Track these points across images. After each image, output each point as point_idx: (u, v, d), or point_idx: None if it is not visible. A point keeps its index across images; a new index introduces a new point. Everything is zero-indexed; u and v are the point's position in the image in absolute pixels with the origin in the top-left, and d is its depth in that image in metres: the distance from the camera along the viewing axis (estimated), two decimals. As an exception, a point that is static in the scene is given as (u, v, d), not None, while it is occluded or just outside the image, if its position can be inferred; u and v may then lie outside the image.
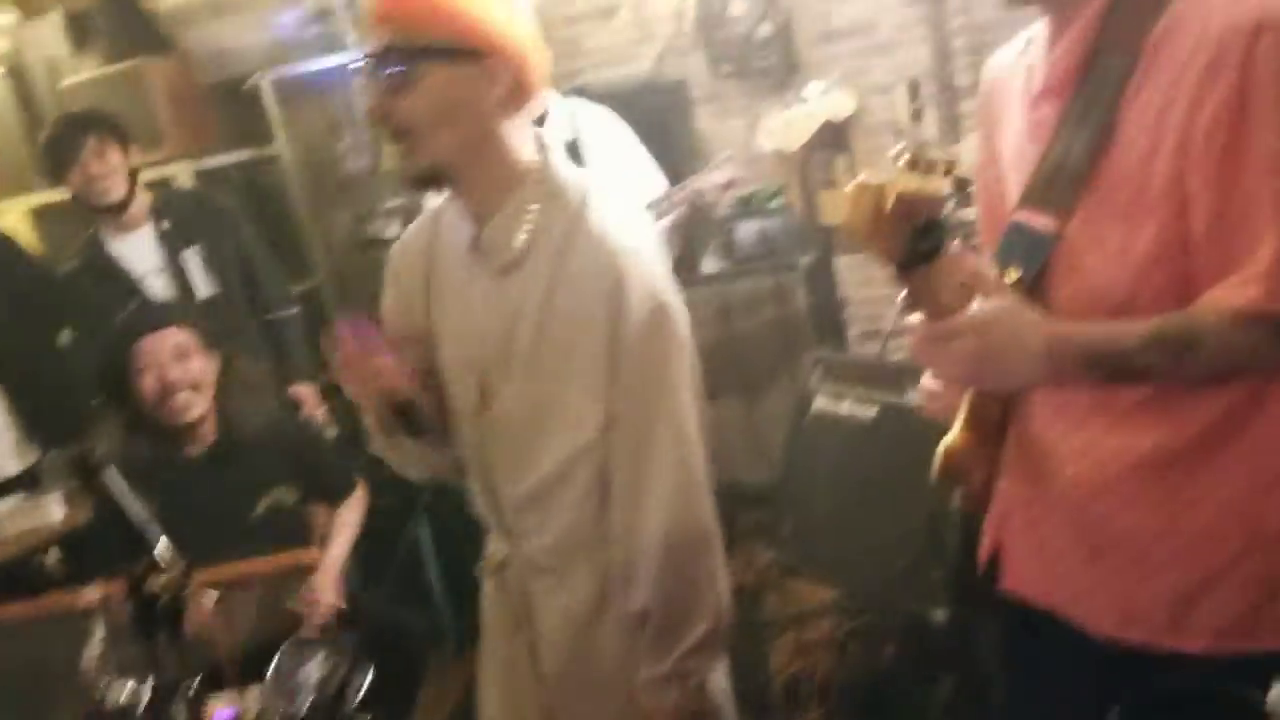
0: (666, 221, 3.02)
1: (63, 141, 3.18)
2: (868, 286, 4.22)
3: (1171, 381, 1.24)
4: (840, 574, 2.55)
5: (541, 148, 1.60)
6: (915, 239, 1.17)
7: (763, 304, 3.83)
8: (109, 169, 3.19)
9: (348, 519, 2.79)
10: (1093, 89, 1.29)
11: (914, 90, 3.84)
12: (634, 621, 1.62)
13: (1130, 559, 1.34)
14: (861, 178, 1.18)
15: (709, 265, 3.93)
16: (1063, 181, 1.30)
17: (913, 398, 2.50)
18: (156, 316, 2.80)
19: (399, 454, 1.80)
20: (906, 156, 1.17)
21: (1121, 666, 1.34)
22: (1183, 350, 1.19)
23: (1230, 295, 1.19)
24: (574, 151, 3.02)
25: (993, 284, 1.23)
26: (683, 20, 4.14)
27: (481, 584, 1.85)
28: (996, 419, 1.42)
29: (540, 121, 2.95)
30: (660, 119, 3.91)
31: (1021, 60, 1.43)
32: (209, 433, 2.68)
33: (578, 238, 1.55)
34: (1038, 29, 1.40)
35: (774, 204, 3.92)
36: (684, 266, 3.69)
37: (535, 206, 1.56)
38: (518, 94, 1.51)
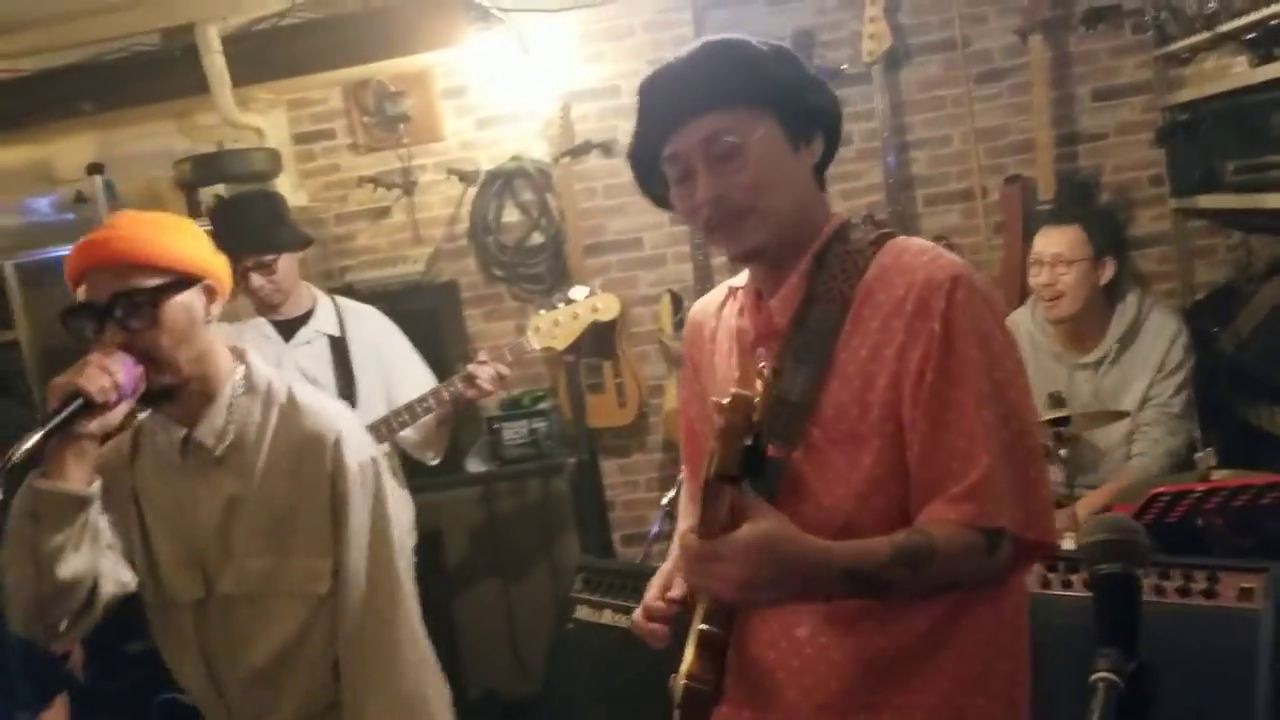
0: (431, 419, 2.97)
1: None
2: (632, 490, 4.26)
3: (908, 594, 1.31)
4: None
5: (239, 354, 1.79)
6: (752, 449, 1.24)
7: (528, 505, 3.77)
8: None
9: None
10: (807, 334, 1.42)
11: (676, 301, 4.02)
12: None
13: None
14: (733, 390, 1.27)
15: (474, 465, 3.88)
16: (786, 415, 1.39)
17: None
18: None
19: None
20: (765, 373, 1.29)
21: None
22: (920, 561, 1.27)
23: (948, 510, 1.30)
24: (340, 346, 2.98)
25: (756, 509, 1.26)
26: (455, 225, 4.22)
27: None
28: (724, 646, 1.40)
29: (305, 319, 2.97)
30: (432, 318, 3.91)
31: (728, 307, 1.58)
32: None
33: (292, 419, 1.74)
34: (741, 279, 1.56)
35: (541, 405, 3.94)
36: (450, 466, 3.63)
37: (240, 403, 1.74)
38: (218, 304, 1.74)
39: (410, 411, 2.90)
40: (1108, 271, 3.06)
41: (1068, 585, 2.10)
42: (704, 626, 1.40)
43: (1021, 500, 1.32)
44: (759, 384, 1.29)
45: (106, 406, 1.55)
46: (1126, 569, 0.88)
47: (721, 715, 1.47)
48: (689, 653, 1.41)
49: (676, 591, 1.55)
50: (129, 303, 1.60)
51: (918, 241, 1.45)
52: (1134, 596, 0.87)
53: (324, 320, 2.99)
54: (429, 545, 3.68)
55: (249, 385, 1.76)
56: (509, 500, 3.77)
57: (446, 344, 3.96)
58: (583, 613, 2.71)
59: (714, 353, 1.57)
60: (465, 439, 3.90)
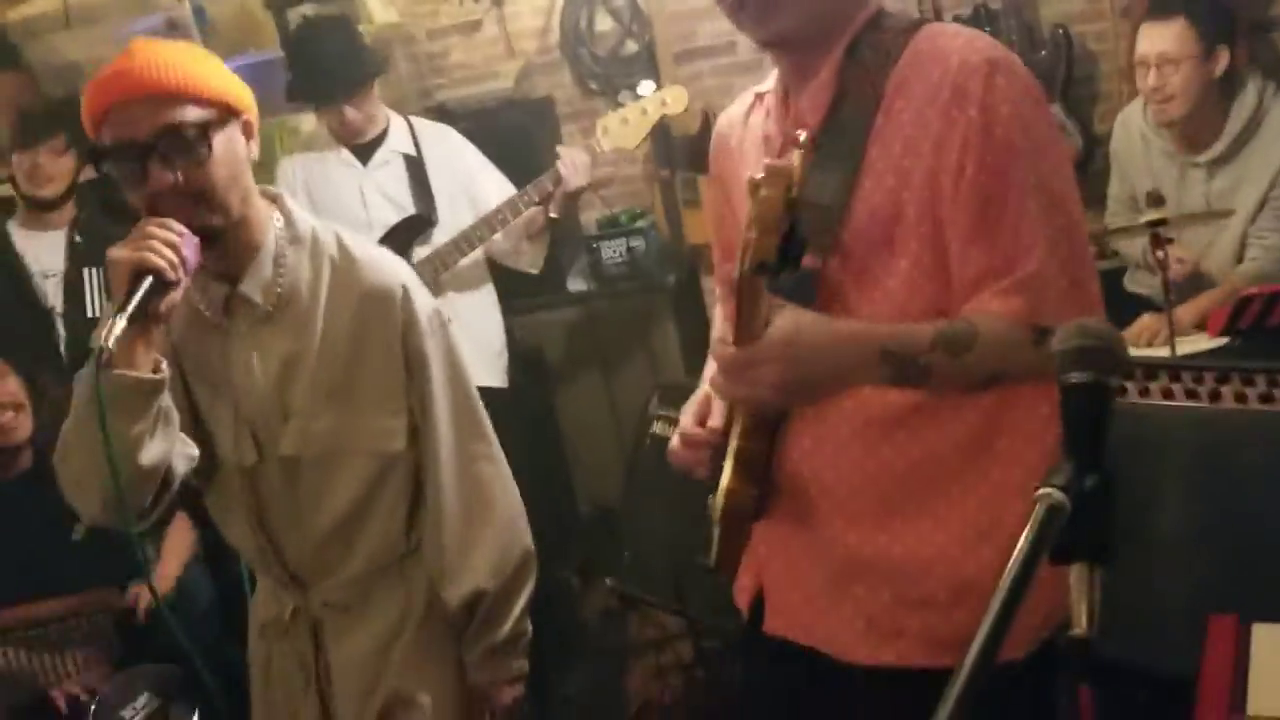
0: (520, 226, 2.98)
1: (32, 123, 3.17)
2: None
3: (947, 384, 1.28)
4: (680, 599, 2.52)
5: (275, 200, 1.67)
6: (791, 236, 1.18)
7: (628, 324, 3.80)
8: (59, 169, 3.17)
9: (174, 543, 2.73)
10: (837, 134, 1.34)
11: (772, 110, 3.87)
12: (461, 612, 1.71)
13: (889, 584, 1.36)
14: (769, 161, 1.21)
15: (574, 284, 3.90)
16: (819, 222, 1.33)
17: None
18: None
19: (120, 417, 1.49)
20: (805, 143, 1.22)
21: (878, 696, 1.35)
22: (962, 349, 1.25)
23: (996, 303, 1.26)
24: (416, 165, 3.00)
25: (781, 305, 1.25)
26: (548, 37, 4.12)
27: (249, 650, 1.84)
28: (764, 461, 1.40)
29: (380, 140, 2.98)
30: (527, 136, 3.87)
31: (754, 115, 1.51)
32: (26, 454, 2.59)
33: (352, 274, 1.65)
34: (768, 84, 1.48)
35: (640, 224, 3.91)
36: (550, 285, 3.67)
37: (286, 254, 1.63)
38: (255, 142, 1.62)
39: (493, 221, 2.91)
40: (1221, 63, 2.78)
41: (1168, 395, 1.98)
42: (742, 443, 1.40)
43: (1070, 297, 1.26)
44: (796, 157, 1.21)
45: (176, 284, 1.43)
46: (1096, 378, 0.82)
47: (759, 532, 1.48)
48: (728, 468, 1.42)
49: (716, 418, 1.51)
50: (177, 138, 1.46)
51: (954, 26, 1.37)
52: (1103, 408, 0.82)
53: (399, 140, 3.01)
54: (532, 361, 3.79)
55: (293, 235, 1.64)
56: (609, 319, 3.80)
57: (543, 162, 3.94)
58: (659, 428, 2.74)
59: (741, 164, 1.50)
60: (565, 258, 3.91)
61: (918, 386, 1.28)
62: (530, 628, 1.78)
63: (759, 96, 1.52)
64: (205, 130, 1.48)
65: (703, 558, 1.56)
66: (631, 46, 4.03)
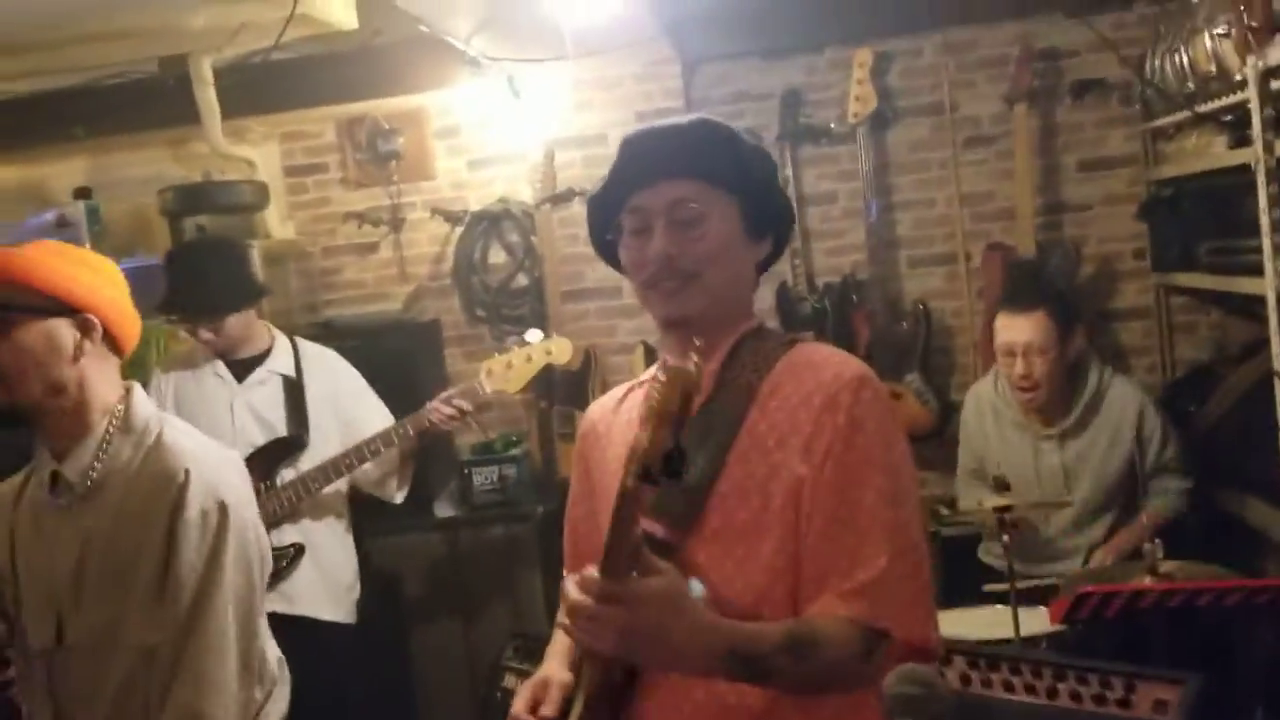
0: (393, 454, 2.98)
1: None
2: (605, 538, 4.23)
3: (785, 685, 1.30)
4: None
5: (126, 392, 1.78)
6: (677, 445, 1.18)
7: (493, 553, 3.74)
8: None
9: None
10: (710, 420, 1.42)
11: (650, 354, 4.01)
12: None
13: None
14: (673, 362, 1.25)
15: (442, 509, 3.86)
16: (679, 498, 1.39)
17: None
18: None
19: None
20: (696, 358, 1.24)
21: None
22: (808, 651, 1.27)
23: (839, 605, 1.30)
24: (294, 387, 2.99)
25: (654, 565, 1.25)
26: (441, 264, 4.23)
27: None
28: None
29: (261, 359, 2.98)
30: (411, 357, 3.91)
31: (626, 402, 1.59)
32: None
33: (149, 456, 1.72)
34: (643, 376, 1.59)
35: (514, 451, 3.93)
36: (416, 508, 3.62)
37: (113, 440, 1.73)
38: (113, 344, 1.75)
39: (363, 451, 2.90)
40: (1075, 348, 3.05)
41: (1009, 687, 2.01)
42: (584, 714, 1.39)
43: (911, 604, 1.32)
44: (694, 360, 1.24)
45: None
46: (921, 729, 0.85)
47: None
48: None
49: (550, 707, 1.49)
50: None
51: (826, 346, 1.51)
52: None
53: (280, 361, 3.00)
54: (388, 589, 3.68)
55: (126, 423, 1.74)
56: (473, 548, 3.74)
57: (425, 383, 3.96)
58: (510, 682, 2.68)
59: (609, 448, 1.55)
60: (435, 482, 3.89)
61: (760, 685, 1.29)
62: None
63: (631, 388, 1.60)
64: (7, 312, 1.64)
65: None
66: (522, 280, 4.17)
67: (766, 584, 1.35)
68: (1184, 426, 3.24)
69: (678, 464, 1.19)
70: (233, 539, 1.71)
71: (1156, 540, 2.42)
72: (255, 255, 3.02)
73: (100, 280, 1.74)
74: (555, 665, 1.56)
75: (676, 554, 1.37)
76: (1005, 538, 2.47)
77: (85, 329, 1.70)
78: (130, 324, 1.79)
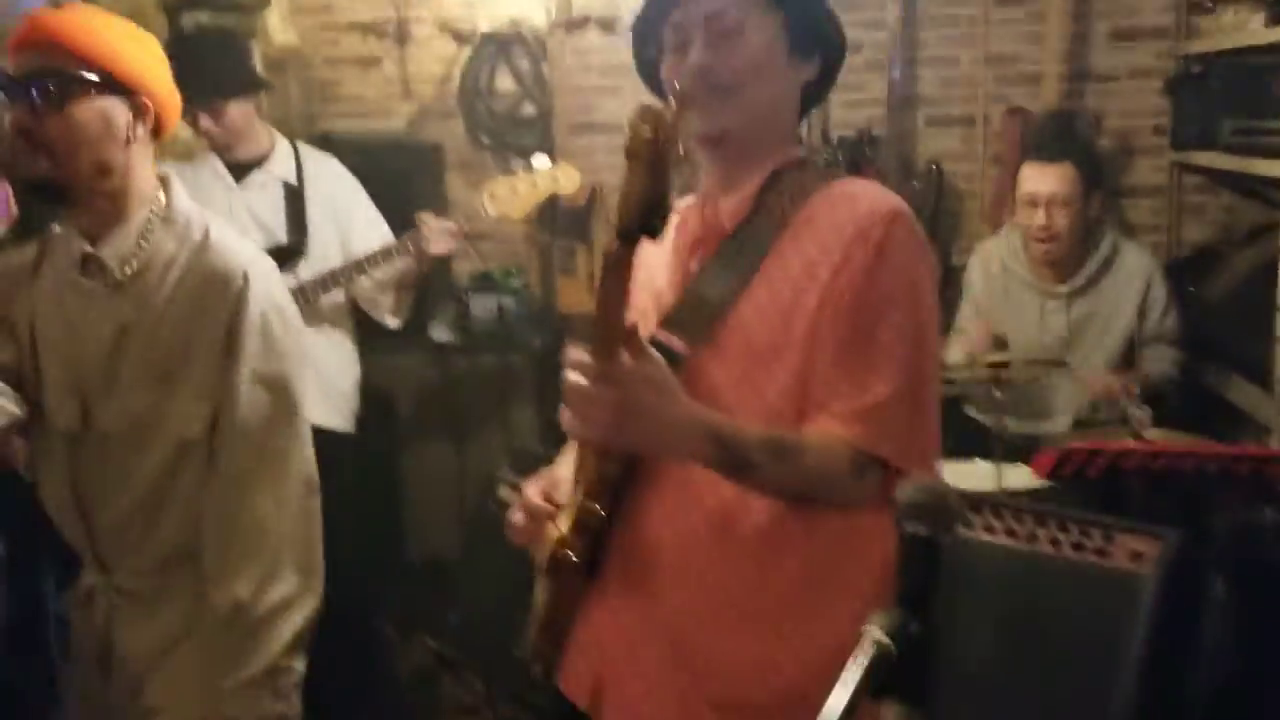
0: (390, 277, 2.96)
1: None
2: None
3: (767, 485, 1.32)
4: (490, 670, 2.50)
5: (164, 181, 1.72)
6: (657, 195, 1.15)
7: (488, 381, 3.78)
8: None
9: None
10: (741, 243, 1.42)
11: (657, 194, 3.96)
12: (223, 622, 1.63)
13: (731, 690, 1.39)
14: (648, 104, 1.21)
15: (438, 333, 3.87)
16: (702, 315, 1.40)
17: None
18: None
19: None
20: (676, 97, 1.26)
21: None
22: (789, 455, 1.30)
23: (836, 425, 1.32)
24: (295, 194, 2.95)
25: (644, 350, 1.26)
26: (447, 85, 4.13)
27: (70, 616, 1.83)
28: (602, 523, 1.44)
29: (261, 161, 2.93)
30: (411, 179, 3.85)
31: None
32: None
33: (203, 255, 1.68)
34: (686, 200, 1.55)
35: (513, 283, 3.92)
36: (412, 330, 3.63)
37: (154, 230, 1.67)
38: (154, 129, 1.69)
39: (362, 264, 2.88)
40: (1095, 206, 3.06)
41: (990, 529, 2.07)
42: (584, 502, 1.42)
43: (911, 435, 1.34)
44: (671, 105, 1.25)
45: None
46: (931, 532, 0.87)
47: (593, 618, 1.49)
48: (564, 522, 1.44)
49: (562, 496, 1.53)
50: (41, 84, 1.56)
51: (867, 181, 1.49)
52: (933, 561, 0.87)
53: (280, 165, 2.95)
54: (380, 406, 3.72)
55: (168, 215, 1.69)
56: (468, 375, 3.77)
57: (423, 207, 3.89)
58: (506, 494, 2.73)
59: (647, 271, 1.51)
60: (432, 307, 3.88)
61: (739, 478, 1.31)
62: (301, 670, 1.68)
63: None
64: (70, 85, 1.57)
65: (518, 649, 1.56)
66: (529, 110, 4.08)
67: (780, 409, 1.36)
68: (1181, 304, 3.26)
69: (656, 217, 1.16)
70: (292, 344, 1.70)
71: (1145, 406, 2.45)
72: (255, 50, 2.95)
73: (150, 58, 1.67)
74: (565, 465, 1.58)
75: (689, 369, 1.38)
76: (997, 394, 2.50)
77: (139, 112, 1.64)
78: (175, 108, 1.72)
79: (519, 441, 3.60)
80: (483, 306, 3.85)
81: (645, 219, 1.16)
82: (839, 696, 0.77)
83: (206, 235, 1.70)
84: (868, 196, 1.40)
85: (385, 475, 3.77)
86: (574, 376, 1.23)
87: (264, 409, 1.66)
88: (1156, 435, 2.45)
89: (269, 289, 1.70)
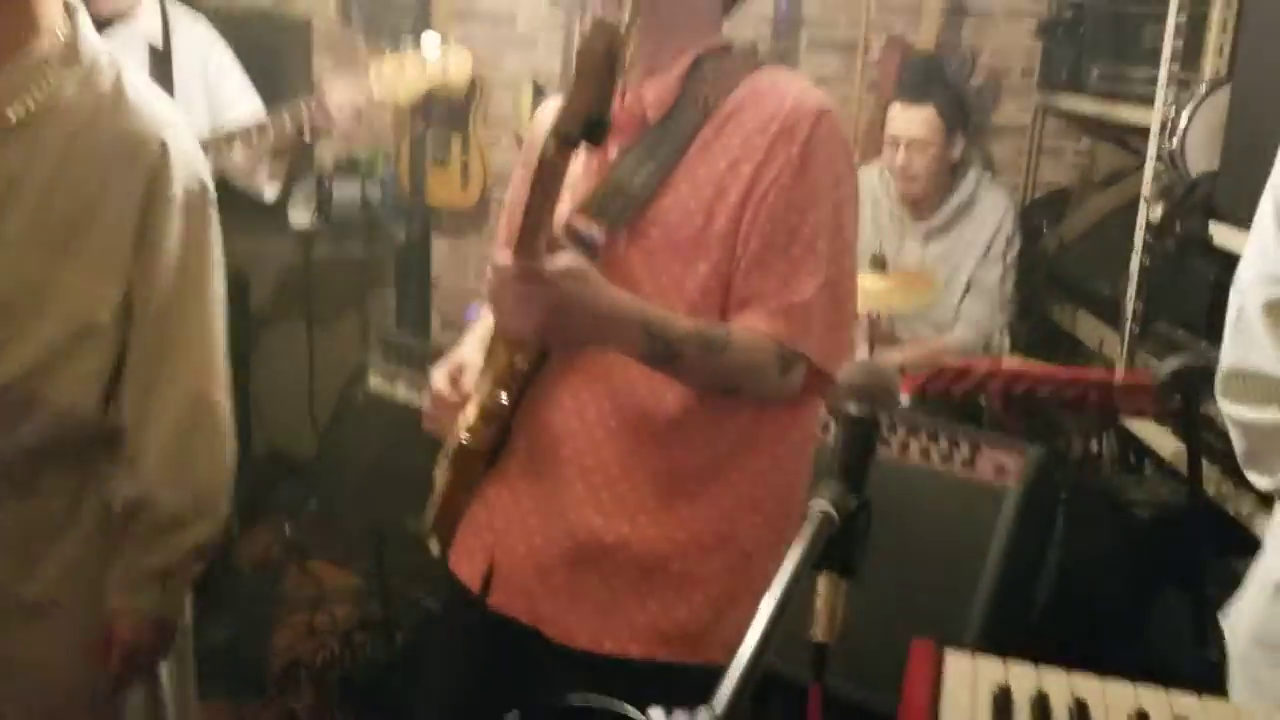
0: (265, 147, 2.78)
1: None
2: (460, 275, 4.18)
3: (693, 376, 1.34)
4: (358, 559, 2.46)
5: (70, 10, 1.48)
6: (604, 106, 1.13)
7: (348, 268, 3.66)
8: None
9: None
10: (664, 132, 1.40)
11: (538, 90, 3.87)
12: (120, 516, 1.51)
13: (621, 573, 1.40)
14: (598, 18, 1.19)
15: (297, 217, 3.69)
16: (619, 203, 1.38)
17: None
18: None
19: None
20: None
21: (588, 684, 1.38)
22: (717, 347, 1.31)
23: (760, 322, 1.34)
24: (162, 58, 2.73)
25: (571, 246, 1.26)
26: (321, -41, 3.90)
27: None
28: (508, 411, 1.43)
29: (122, 19, 2.69)
30: (277, 55, 3.63)
31: None
32: None
33: (111, 108, 1.46)
34: None
35: (379, 170, 3.77)
36: (270, 212, 3.45)
37: (52, 68, 1.43)
38: None
39: (239, 136, 2.69)
40: (958, 148, 3.12)
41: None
42: (491, 391, 1.40)
43: (831, 333, 1.37)
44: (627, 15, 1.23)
45: None
46: (872, 413, 0.88)
47: (497, 501, 1.49)
48: (471, 411, 1.43)
49: (469, 382, 1.51)
50: None
51: (791, 73, 1.48)
52: (871, 440, 0.89)
53: (145, 23, 2.72)
54: (233, 291, 3.53)
55: (69, 54, 1.44)
56: (328, 261, 3.64)
57: (288, 87, 3.70)
58: (375, 383, 2.67)
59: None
60: (293, 186, 3.70)
61: (666, 369, 1.33)
62: (194, 576, 1.59)
63: None
64: None
65: (413, 522, 1.54)
66: (408, -8, 3.89)
67: (698, 302, 1.37)
68: (1033, 242, 3.41)
69: (599, 127, 1.15)
70: (214, 223, 1.54)
71: (1003, 331, 2.56)
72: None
73: None
74: (470, 350, 1.55)
75: (606, 258, 1.36)
76: (867, 316, 2.56)
77: None
78: None
79: (378, 333, 3.50)
80: (346, 192, 3.70)
81: (589, 128, 1.15)
82: (788, 563, 0.78)
83: (118, 84, 1.47)
84: (792, 92, 1.39)
85: (233, 362, 3.61)
86: (502, 275, 1.22)
87: (191, 296, 1.51)
88: (1014, 362, 2.56)
89: (190, 161, 1.50)
